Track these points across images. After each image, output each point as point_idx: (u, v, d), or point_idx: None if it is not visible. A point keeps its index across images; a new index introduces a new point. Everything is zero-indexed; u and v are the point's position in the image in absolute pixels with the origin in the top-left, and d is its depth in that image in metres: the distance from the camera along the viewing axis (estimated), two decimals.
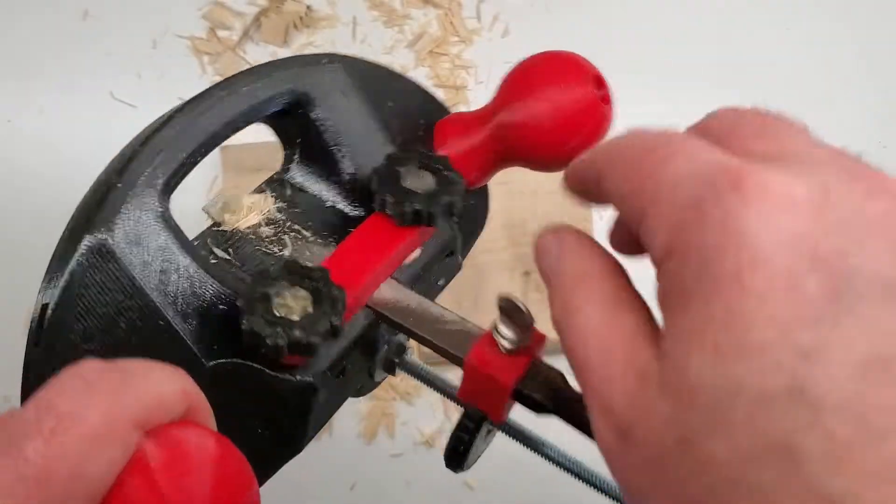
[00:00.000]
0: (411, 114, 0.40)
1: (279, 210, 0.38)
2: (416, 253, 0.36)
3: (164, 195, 0.33)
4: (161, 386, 0.24)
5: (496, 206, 0.85)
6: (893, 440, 0.17)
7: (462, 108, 0.81)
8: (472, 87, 0.81)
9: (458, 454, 0.32)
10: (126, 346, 0.31)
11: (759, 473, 0.18)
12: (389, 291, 0.34)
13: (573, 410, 0.29)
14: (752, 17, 0.84)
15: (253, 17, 0.83)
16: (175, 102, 0.67)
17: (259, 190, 0.39)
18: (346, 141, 0.38)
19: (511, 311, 0.30)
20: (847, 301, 0.19)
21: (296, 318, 0.30)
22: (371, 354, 0.36)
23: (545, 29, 0.84)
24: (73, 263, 0.30)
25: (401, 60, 0.83)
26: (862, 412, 0.18)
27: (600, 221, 0.80)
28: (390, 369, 0.37)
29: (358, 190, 0.38)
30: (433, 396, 0.86)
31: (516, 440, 0.34)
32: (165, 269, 0.32)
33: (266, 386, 0.31)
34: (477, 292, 0.74)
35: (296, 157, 0.39)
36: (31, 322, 0.31)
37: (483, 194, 0.43)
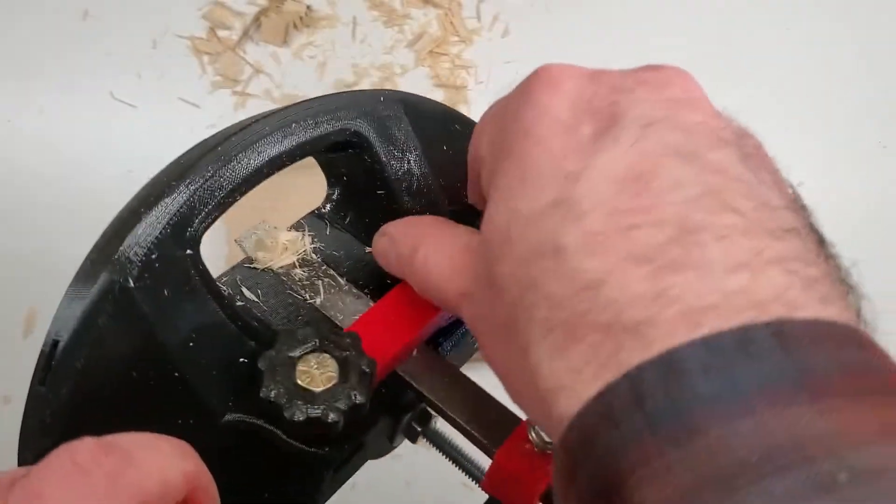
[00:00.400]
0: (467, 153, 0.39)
1: (315, 251, 0.36)
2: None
3: (194, 237, 0.29)
4: (163, 469, 0.23)
5: None
6: (637, 231, 0.21)
7: (462, 108, 0.81)
8: (472, 86, 0.81)
9: None
10: (137, 396, 0.29)
11: (533, 270, 0.22)
12: (422, 359, 0.32)
13: None
14: (752, 16, 0.84)
15: (253, 16, 0.83)
16: (175, 102, 0.67)
17: (297, 226, 0.37)
18: (395, 186, 0.35)
19: None
20: (612, 134, 0.23)
21: (319, 389, 0.28)
22: (394, 422, 0.34)
23: (545, 29, 0.84)
24: (88, 304, 0.28)
25: (401, 60, 0.83)
26: (613, 212, 0.21)
27: None
28: (412, 437, 0.35)
29: None
30: None
31: None
32: (188, 319, 0.29)
33: (279, 451, 0.30)
34: None
35: (339, 194, 0.37)
36: (40, 357, 0.28)
37: None
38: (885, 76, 0.83)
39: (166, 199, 0.29)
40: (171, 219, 0.29)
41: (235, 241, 0.36)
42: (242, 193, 0.31)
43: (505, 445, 0.30)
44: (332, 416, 0.28)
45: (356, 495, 0.81)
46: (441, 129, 0.37)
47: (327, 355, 0.29)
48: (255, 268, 0.35)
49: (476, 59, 0.83)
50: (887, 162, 0.82)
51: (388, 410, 0.33)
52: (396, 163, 0.35)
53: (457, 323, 0.35)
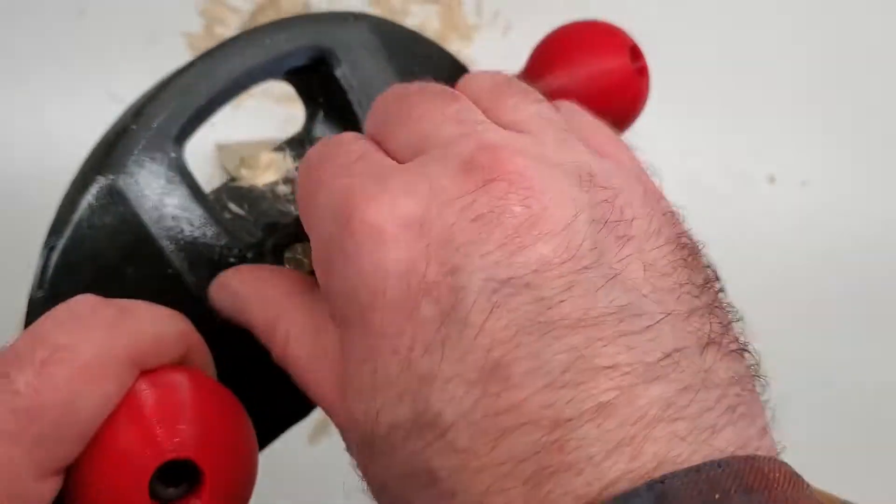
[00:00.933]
0: (439, 80, 0.40)
1: (298, 168, 0.37)
2: None
3: (179, 141, 0.32)
4: (159, 325, 0.24)
5: None
6: (507, 440, 0.19)
7: None
8: None
9: None
10: (134, 294, 0.30)
11: (409, 493, 0.21)
12: None
13: None
14: (752, 16, 0.84)
15: (249, 13, 0.82)
16: None
17: (279, 149, 0.38)
18: (370, 101, 0.36)
19: None
20: (457, 317, 0.20)
21: (306, 272, 0.29)
22: None
23: (547, 25, 0.83)
24: (82, 204, 0.30)
25: None
26: (477, 421, 0.19)
27: None
28: None
29: None
30: None
31: None
32: (177, 217, 0.31)
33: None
34: None
35: (318, 115, 0.38)
36: (37, 268, 0.31)
37: None
38: (891, 73, 0.83)
39: (149, 108, 0.33)
40: (156, 124, 0.32)
41: (221, 162, 0.37)
42: (221, 103, 0.35)
43: None
44: None
45: (356, 495, 0.81)
46: (410, 47, 0.39)
47: None
48: (239, 186, 0.36)
49: (477, 56, 0.82)
50: (887, 162, 0.82)
51: None
52: (368, 78, 0.37)
53: None
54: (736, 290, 0.93)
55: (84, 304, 0.24)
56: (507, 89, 0.27)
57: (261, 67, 0.35)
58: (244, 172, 0.36)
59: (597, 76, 0.38)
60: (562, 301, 0.19)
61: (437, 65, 0.41)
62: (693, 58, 0.83)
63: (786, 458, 0.22)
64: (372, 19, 0.38)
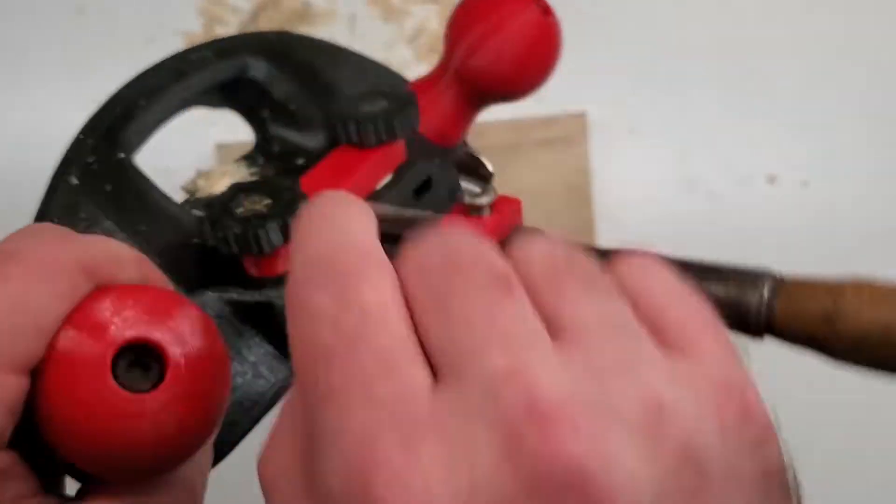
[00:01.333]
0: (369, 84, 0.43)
1: (252, 175, 0.40)
2: (389, 178, 0.37)
3: (125, 144, 0.37)
4: (113, 245, 0.26)
5: None
6: None
7: None
8: None
9: None
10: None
11: None
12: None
13: None
14: (752, 16, 0.84)
15: (250, 12, 0.82)
16: None
17: (237, 160, 0.41)
18: (303, 94, 0.40)
19: (470, 163, 0.30)
20: None
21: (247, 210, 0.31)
22: None
23: None
24: (41, 205, 0.36)
25: (400, 56, 0.82)
26: None
27: (603, 219, 0.80)
28: None
29: (325, 125, 0.40)
30: None
31: None
32: (131, 211, 0.35)
33: (244, 309, 0.32)
34: None
35: (264, 120, 0.41)
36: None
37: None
38: (885, 76, 0.83)
39: (94, 116, 0.39)
40: (101, 130, 0.38)
41: (181, 188, 0.40)
42: (157, 119, 0.39)
43: (444, 221, 0.31)
44: (261, 228, 0.30)
45: None
46: (335, 57, 0.43)
47: (264, 196, 0.31)
48: (198, 198, 0.38)
49: None
50: (887, 162, 0.82)
51: None
52: (297, 76, 0.40)
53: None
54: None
55: (41, 225, 0.26)
56: (567, 275, 0.22)
57: (192, 97, 0.39)
58: (201, 184, 0.38)
59: (512, 32, 0.41)
60: None
61: (366, 74, 0.44)
62: (694, 58, 0.83)
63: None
64: (287, 35, 0.43)
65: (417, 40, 0.82)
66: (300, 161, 0.37)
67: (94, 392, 0.23)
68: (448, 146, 0.39)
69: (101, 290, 0.24)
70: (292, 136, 0.39)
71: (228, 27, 0.82)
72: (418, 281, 0.21)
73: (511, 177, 0.89)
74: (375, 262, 0.21)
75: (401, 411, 0.18)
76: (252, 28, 0.82)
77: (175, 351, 0.23)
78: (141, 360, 0.23)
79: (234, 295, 0.32)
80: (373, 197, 0.36)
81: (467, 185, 0.30)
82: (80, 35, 0.82)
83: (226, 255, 0.31)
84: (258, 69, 0.40)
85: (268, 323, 0.32)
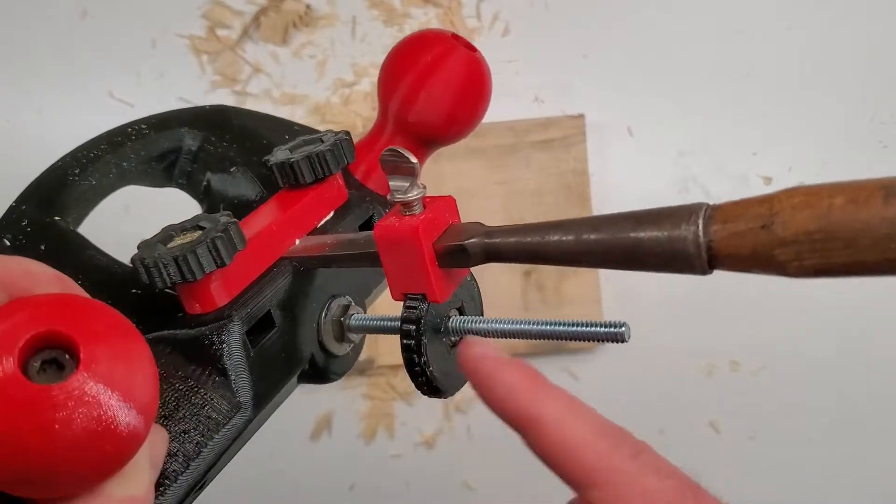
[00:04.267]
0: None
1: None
2: (330, 216, 0.38)
3: (60, 207, 0.38)
4: (29, 263, 0.25)
5: (496, 205, 0.86)
6: None
7: None
8: None
9: (416, 364, 0.31)
10: None
11: None
12: (305, 242, 0.35)
13: (505, 246, 0.29)
14: (752, 16, 0.84)
15: (252, 16, 0.83)
16: (173, 102, 0.67)
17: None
18: (240, 154, 0.40)
19: (394, 160, 0.29)
20: None
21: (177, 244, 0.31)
22: (300, 315, 0.35)
23: (545, 28, 0.84)
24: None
25: None
26: None
27: None
28: (341, 336, 0.36)
29: (266, 177, 0.39)
30: None
31: (496, 336, 0.32)
32: (70, 266, 0.33)
33: (187, 348, 0.31)
34: None
35: (208, 183, 0.41)
36: None
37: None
38: (886, 75, 0.83)
39: (29, 187, 0.40)
40: (36, 197, 0.38)
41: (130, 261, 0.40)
42: (95, 189, 0.39)
43: (379, 224, 0.31)
44: (190, 253, 0.29)
45: (356, 495, 0.81)
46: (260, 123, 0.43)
47: (197, 230, 0.31)
48: None
49: None
50: (887, 162, 0.82)
51: (288, 306, 0.34)
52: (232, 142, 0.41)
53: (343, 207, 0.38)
54: (732, 293, 0.93)
55: None
56: None
57: (126, 172, 0.40)
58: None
59: (445, 74, 0.40)
60: None
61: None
62: (692, 62, 0.83)
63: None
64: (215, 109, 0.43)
65: None
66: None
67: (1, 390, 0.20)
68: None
69: (15, 300, 0.23)
70: (235, 194, 0.39)
71: (231, 31, 0.83)
72: None
73: (510, 177, 0.90)
74: None
75: None
76: (254, 30, 0.83)
77: (87, 342, 0.21)
78: (56, 360, 0.22)
79: (177, 336, 0.31)
80: (315, 232, 0.36)
81: (395, 183, 0.29)
82: (84, 39, 0.82)
83: (166, 299, 0.31)
84: (195, 139, 0.41)
85: (213, 360, 0.31)
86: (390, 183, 0.30)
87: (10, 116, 0.82)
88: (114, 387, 0.21)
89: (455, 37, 0.41)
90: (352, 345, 0.37)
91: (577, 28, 0.83)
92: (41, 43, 0.82)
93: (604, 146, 0.81)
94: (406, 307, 0.31)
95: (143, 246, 0.31)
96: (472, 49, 0.41)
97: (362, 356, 0.80)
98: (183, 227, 0.31)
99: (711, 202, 0.25)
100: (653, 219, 0.25)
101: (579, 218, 0.28)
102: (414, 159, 0.29)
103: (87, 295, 0.26)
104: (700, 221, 0.24)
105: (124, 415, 0.22)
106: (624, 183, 0.81)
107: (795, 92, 0.83)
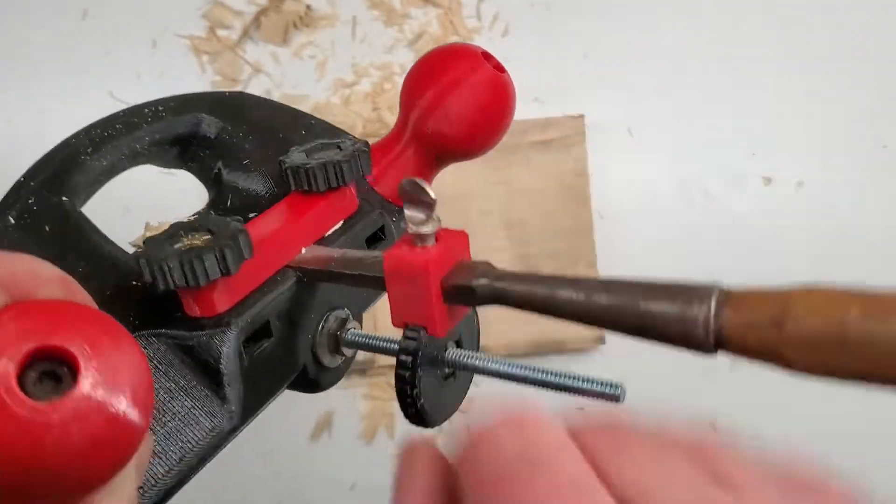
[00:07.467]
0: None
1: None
2: (339, 225, 0.37)
3: (69, 189, 0.37)
4: (33, 263, 0.24)
5: (496, 206, 0.86)
6: None
7: None
8: None
9: (408, 396, 0.30)
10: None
11: None
12: (311, 252, 0.35)
13: (513, 293, 0.28)
14: (751, 16, 0.84)
15: (252, 16, 0.83)
16: None
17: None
18: (256, 148, 0.40)
19: (412, 191, 0.29)
20: None
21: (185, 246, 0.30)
22: (298, 326, 0.35)
23: (545, 28, 0.84)
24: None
25: (401, 60, 0.83)
26: None
27: (601, 220, 0.80)
28: (336, 349, 0.36)
29: (279, 175, 0.39)
30: None
31: (492, 376, 0.32)
32: (72, 249, 0.34)
33: (181, 351, 0.31)
34: None
35: (220, 172, 0.40)
36: None
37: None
38: (886, 75, 0.83)
39: (39, 161, 0.38)
40: (45, 174, 0.37)
41: (130, 243, 0.39)
42: (106, 168, 0.38)
43: (390, 251, 0.30)
44: (197, 258, 0.29)
45: (356, 495, 0.81)
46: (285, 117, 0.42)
47: (205, 232, 0.30)
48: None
49: None
50: (888, 162, 0.82)
51: (289, 317, 0.34)
52: (248, 129, 0.40)
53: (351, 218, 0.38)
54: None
55: None
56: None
57: (139, 150, 0.39)
58: (148, 236, 0.39)
59: (469, 91, 0.39)
60: None
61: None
62: (692, 62, 0.83)
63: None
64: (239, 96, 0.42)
65: (418, 43, 0.83)
66: (252, 215, 0.36)
67: None
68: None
69: (14, 304, 0.22)
70: (245, 188, 0.39)
71: (231, 31, 0.83)
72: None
73: (510, 178, 0.90)
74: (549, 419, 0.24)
75: None
76: (254, 30, 0.83)
77: (87, 359, 0.21)
78: (53, 372, 0.21)
79: (174, 337, 0.31)
80: (323, 241, 0.36)
81: (411, 213, 0.29)
82: (85, 39, 0.82)
83: (165, 295, 0.30)
84: (211, 126, 0.40)
85: (207, 365, 0.31)
86: (406, 212, 0.30)
87: (10, 116, 0.82)
88: (111, 404, 0.21)
89: (485, 54, 0.40)
90: (343, 358, 0.37)
91: (577, 28, 0.84)
92: (41, 43, 0.82)
93: (604, 146, 0.81)
94: (405, 336, 0.31)
95: (150, 243, 0.30)
96: (501, 69, 0.41)
97: (362, 356, 0.80)
98: (192, 227, 0.31)
99: (721, 289, 0.25)
100: (666, 292, 0.25)
101: (592, 278, 0.28)
102: (433, 194, 0.29)
103: (91, 301, 0.25)
104: (713, 304, 0.24)
105: (119, 430, 0.21)
106: (624, 183, 0.81)
107: (795, 92, 0.83)
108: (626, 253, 0.80)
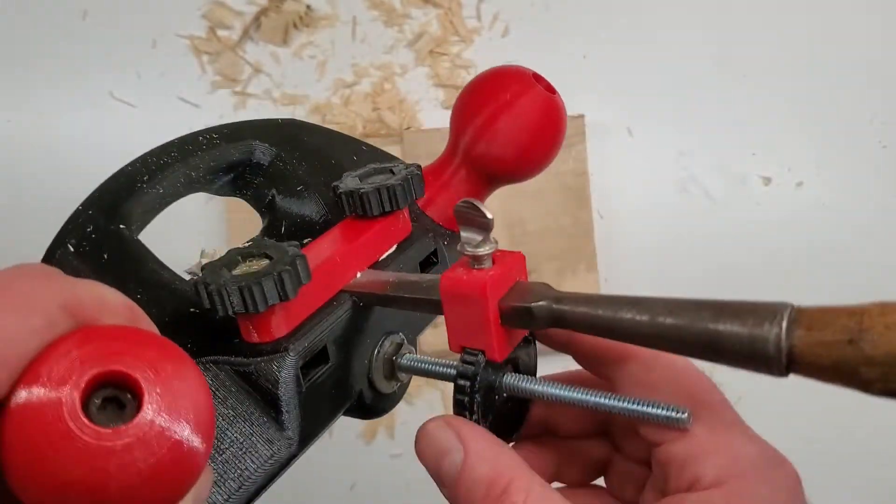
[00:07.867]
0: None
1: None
2: (393, 250, 0.37)
3: (124, 217, 0.37)
4: (101, 289, 0.24)
5: (496, 205, 0.86)
6: None
7: None
8: None
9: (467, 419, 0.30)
10: None
11: None
12: (366, 276, 0.35)
13: (573, 315, 0.28)
14: (751, 16, 0.84)
15: (252, 16, 0.83)
16: (174, 102, 0.68)
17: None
18: (309, 174, 0.40)
19: (468, 212, 0.29)
20: None
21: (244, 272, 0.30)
22: (354, 351, 0.35)
23: (545, 28, 0.84)
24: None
25: (401, 60, 0.83)
26: None
27: (601, 220, 0.80)
28: (391, 374, 0.36)
29: (332, 200, 0.38)
30: (433, 396, 0.86)
31: (549, 400, 0.32)
32: (130, 277, 0.34)
33: (239, 377, 0.31)
34: None
35: (273, 199, 0.40)
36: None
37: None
38: (885, 75, 0.83)
39: (97, 190, 0.38)
40: (103, 202, 0.37)
41: (185, 271, 0.39)
42: (162, 196, 0.38)
43: (446, 274, 0.30)
44: (256, 284, 0.29)
45: (356, 495, 0.81)
46: (341, 144, 0.43)
47: (263, 258, 0.30)
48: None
49: (476, 59, 0.83)
50: (888, 162, 0.82)
51: (345, 341, 0.34)
52: (303, 157, 0.41)
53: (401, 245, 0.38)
54: (732, 289, 0.93)
55: (30, 264, 0.24)
56: None
57: (192, 179, 0.40)
58: (204, 262, 0.37)
59: (522, 114, 0.39)
60: None
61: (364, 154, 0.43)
62: (691, 63, 0.83)
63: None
64: (292, 123, 0.42)
65: (417, 43, 0.83)
66: (307, 240, 0.36)
67: (57, 427, 0.20)
68: (456, 228, 0.38)
69: (79, 329, 0.22)
70: (299, 214, 0.39)
71: (232, 31, 0.83)
72: None
73: None
74: None
75: None
76: (255, 31, 0.83)
77: (151, 385, 0.21)
78: (117, 398, 0.21)
79: (232, 363, 0.31)
80: (377, 266, 0.36)
81: (467, 235, 0.29)
82: (85, 39, 0.82)
83: (223, 321, 0.30)
84: (265, 153, 0.41)
85: (265, 392, 0.30)
86: (462, 234, 0.30)
87: (10, 116, 0.82)
88: (174, 430, 0.21)
89: (536, 76, 0.40)
90: (399, 383, 0.37)
91: (577, 28, 0.84)
92: (41, 43, 0.82)
93: (604, 146, 0.81)
94: (463, 361, 0.31)
95: (208, 269, 0.30)
96: (552, 91, 0.40)
97: None
98: (249, 253, 0.31)
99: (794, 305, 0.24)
100: (734, 312, 0.24)
101: (653, 298, 0.27)
102: (490, 215, 0.29)
103: (154, 328, 0.25)
104: (784, 323, 0.23)
105: (182, 457, 0.21)
106: (624, 183, 0.81)
107: (795, 92, 0.83)
108: (626, 253, 0.80)
